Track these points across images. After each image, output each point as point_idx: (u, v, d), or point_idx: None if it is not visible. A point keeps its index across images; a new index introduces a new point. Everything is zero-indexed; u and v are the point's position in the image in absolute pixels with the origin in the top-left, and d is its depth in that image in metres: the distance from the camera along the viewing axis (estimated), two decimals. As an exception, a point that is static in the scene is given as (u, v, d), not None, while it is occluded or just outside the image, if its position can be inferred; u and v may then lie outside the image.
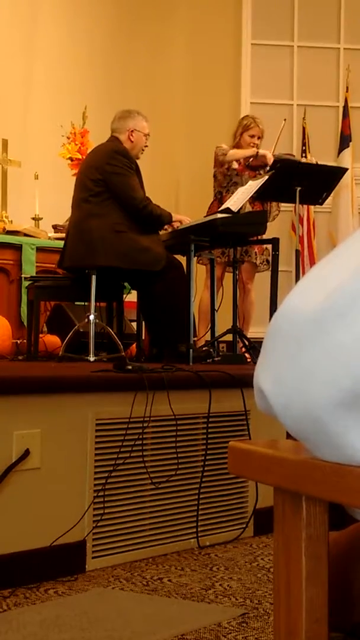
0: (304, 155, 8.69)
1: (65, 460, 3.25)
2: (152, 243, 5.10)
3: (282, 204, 6.75)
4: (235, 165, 6.69)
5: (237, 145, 6.80)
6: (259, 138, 6.81)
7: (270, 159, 6.56)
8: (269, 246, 6.03)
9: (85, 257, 5.01)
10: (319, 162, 6.79)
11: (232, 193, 6.52)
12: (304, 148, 8.78)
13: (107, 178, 5.09)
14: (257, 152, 6.64)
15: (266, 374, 0.88)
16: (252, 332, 6.33)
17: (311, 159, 6.97)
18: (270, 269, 6.68)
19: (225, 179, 6.71)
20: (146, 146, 5.46)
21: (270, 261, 6.65)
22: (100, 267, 4.99)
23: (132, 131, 5.34)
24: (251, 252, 6.55)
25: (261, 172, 6.62)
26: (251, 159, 6.72)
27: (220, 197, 6.70)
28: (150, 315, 5.37)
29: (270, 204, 6.65)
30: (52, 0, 8.09)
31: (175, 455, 3.61)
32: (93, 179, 5.12)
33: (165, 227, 5.47)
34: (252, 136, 6.77)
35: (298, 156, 7.06)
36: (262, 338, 0.92)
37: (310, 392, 0.84)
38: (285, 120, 6.43)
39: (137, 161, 5.35)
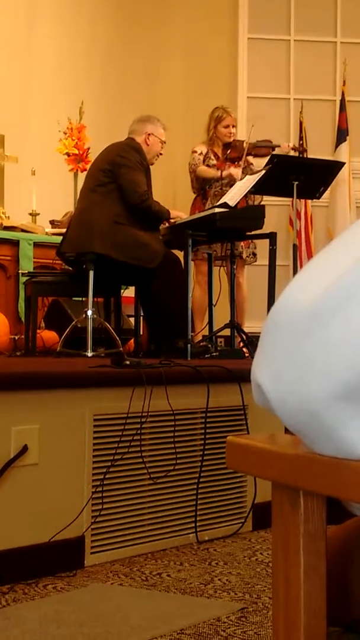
0: (301, 148, 8.68)
1: (64, 455, 3.25)
2: (150, 239, 5.11)
3: (280, 198, 6.74)
4: (213, 161, 6.70)
5: (212, 140, 6.80)
6: (233, 127, 6.80)
7: (237, 174, 6.52)
8: (256, 240, 6.06)
9: (82, 243, 5.03)
10: (317, 157, 6.77)
11: (215, 188, 6.55)
12: (301, 142, 8.77)
13: (115, 168, 5.13)
14: (221, 173, 6.64)
15: (263, 368, 0.88)
16: (250, 327, 6.33)
17: (289, 145, 6.93)
18: (256, 261, 6.71)
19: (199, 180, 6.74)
20: (161, 154, 5.50)
21: (257, 253, 6.68)
22: (95, 255, 4.98)
23: (149, 135, 5.40)
24: (238, 246, 6.56)
25: (240, 162, 6.62)
26: (229, 151, 6.72)
27: (203, 192, 6.71)
28: (148, 310, 5.38)
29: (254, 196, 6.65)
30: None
31: (173, 451, 3.61)
32: (102, 169, 5.18)
33: (165, 222, 5.47)
34: (227, 126, 6.77)
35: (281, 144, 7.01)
36: (260, 332, 0.92)
37: (308, 386, 0.83)
38: (253, 125, 6.43)
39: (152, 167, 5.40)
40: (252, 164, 6.76)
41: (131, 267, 5.10)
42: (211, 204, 6.54)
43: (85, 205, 5.17)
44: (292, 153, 7.07)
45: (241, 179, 6.13)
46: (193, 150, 6.79)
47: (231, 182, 6.48)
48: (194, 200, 6.81)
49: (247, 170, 6.63)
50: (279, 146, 6.82)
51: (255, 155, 6.77)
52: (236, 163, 6.66)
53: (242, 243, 6.56)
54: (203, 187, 6.75)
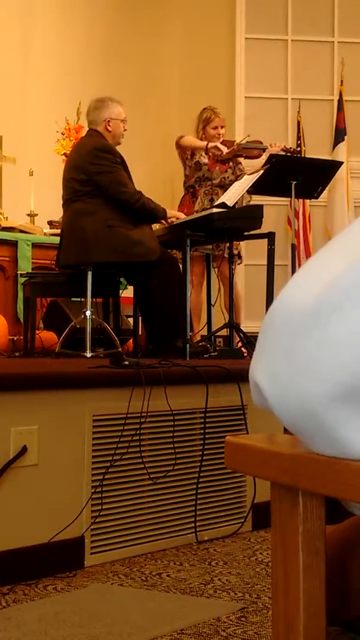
0: (299, 149, 8.69)
1: (63, 456, 3.25)
2: (145, 236, 5.10)
3: (278, 198, 6.74)
4: (205, 159, 6.67)
5: (201, 140, 6.78)
6: (222, 127, 6.77)
7: (223, 149, 6.53)
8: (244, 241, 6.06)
9: (80, 255, 5.01)
10: (315, 156, 6.77)
11: (205, 187, 6.55)
12: (299, 142, 8.78)
13: (94, 177, 5.07)
14: (207, 145, 6.60)
15: (261, 368, 0.88)
16: (248, 327, 6.33)
17: (278, 145, 6.90)
18: (242, 262, 6.71)
19: (196, 173, 6.70)
20: (125, 130, 5.40)
21: (242, 255, 6.68)
22: (96, 264, 4.99)
23: (108, 121, 5.30)
24: (222, 247, 6.54)
25: (231, 163, 6.62)
26: (220, 153, 6.70)
27: (192, 191, 6.68)
28: (147, 310, 5.37)
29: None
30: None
31: (172, 451, 3.61)
32: (79, 180, 5.11)
33: (162, 222, 5.46)
34: (215, 127, 6.73)
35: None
36: (258, 332, 0.92)
37: (305, 385, 0.83)
38: (249, 135, 6.43)
39: (126, 154, 5.33)
40: (240, 163, 6.75)
41: (131, 265, 5.09)
42: (201, 203, 6.54)
43: (72, 216, 5.11)
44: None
45: (232, 180, 6.15)
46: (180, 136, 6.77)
47: (221, 180, 6.51)
48: (182, 199, 6.77)
49: (237, 170, 6.64)
50: (268, 147, 6.80)
51: (246, 157, 6.77)
52: (227, 164, 6.66)
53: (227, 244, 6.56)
54: (191, 187, 6.69)
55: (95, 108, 5.36)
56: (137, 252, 5.02)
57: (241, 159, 6.72)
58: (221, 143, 6.69)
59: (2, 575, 3.00)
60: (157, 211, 5.22)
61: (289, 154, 6.59)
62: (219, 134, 6.73)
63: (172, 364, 3.90)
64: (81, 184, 5.09)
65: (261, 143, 6.82)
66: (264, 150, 6.69)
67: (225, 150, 6.56)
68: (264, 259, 5.49)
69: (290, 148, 6.87)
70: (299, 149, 7.00)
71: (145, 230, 5.16)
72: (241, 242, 6.50)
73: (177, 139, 6.72)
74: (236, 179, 6.42)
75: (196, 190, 6.64)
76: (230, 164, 6.67)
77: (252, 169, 5.93)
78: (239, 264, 6.78)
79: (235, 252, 6.69)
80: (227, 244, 6.47)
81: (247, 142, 6.73)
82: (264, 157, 6.54)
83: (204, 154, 6.67)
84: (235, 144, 6.61)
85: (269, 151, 6.63)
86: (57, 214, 6.75)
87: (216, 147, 6.52)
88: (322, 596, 0.93)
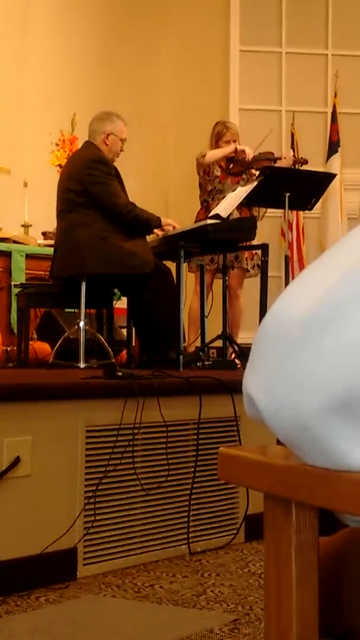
0: (302, 160, 8.70)
1: (56, 467, 3.25)
2: (139, 247, 5.10)
3: (271, 210, 6.75)
4: (217, 172, 6.68)
5: None
6: (234, 141, 6.78)
7: (249, 154, 6.56)
8: (259, 251, 6.05)
9: (74, 267, 5.01)
10: (308, 168, 6.79)
11: (218, 200, 6.54)
12: (292, 154, 8.79)
13: (88, 188, 5.08)
14: (236, 147, 6.61)
15: (255, 380, 0.89)
16: (242, 338, 6.33)
17: (291, 155, 6.91)
18: (259, 273, 6.69)
19: (209, 185, 6.70)
20: (121, 150, 5.40)
21: (261, 265, 6.66)
22: (90, 275, 4.99)
23: (108, 135, 5.30)
24: (242, 258, 6.55)
25: (244, 176, 6.63)
26: (231, 166, 6.70)
27: (206, 205, 6.69)
28: (140, 321, 5.37)
29: (259, 208, 6.64)
30: (43, 8, 8.09)
31: (166, 462, 3.61)
32: (74, 190, 5.11)
33: (157, 232, 5.46)
34: (227, 142, 6.74)
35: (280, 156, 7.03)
36: (252, 344, 0.92)
37: (299, 398, 0.84)
38: (272, 130, 6.43)
39: (121, 166, 5.34)
40: (255, 174, 6.75)
41: (125, 277, 5.10)
42: None
43: (66, 227, 5.11)
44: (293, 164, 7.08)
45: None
46: (198, 154, 6.75)
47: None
48: (198, 214, 6.76)
49: (251, 181, 6.64)
50: (280, 158, 6.81)
51: (257, 169, 6.77)
52: (239, 177, 6.67)
53: (246, 254, 6.55)
54: (205, 202, 6.69)
55: (99, 119, 5.36)
56: (131, 264, 5.02)
57: (254, 171, 6.72)
58: (234, 156, 6.68)
59: (-6, 586, 2.99)
60: (151, 220, 5.22)
61: (299, 164, 6.61)
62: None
63: (165, 375, 3.90)
64: (76, 195, 5.09)
65: (273, 154, 6.84)
66: (274, 161, 6.70)
67: (251, 155, 6.57)
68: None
69: (301, 159, 6.88)
70: (307, 160, 6.99)
71: (140, 242, 5.16)
72: (258, 251, 6.50)
73: (200, 159, 6.67)
74: None
75: (209, 205, 6.64)
76: (244, 176, 6.66)
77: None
78: (255, 275, 6.74)
79: (254, 263, 6.65)
80: (243, 255, 6.49)
81: (260, 153, 6.74)
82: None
83: (217, 167, 6.67)
84: (253, 157, 6.63)
85: (282, 162, 6.65)
86: (51, 225, 6.75)
87: (243, 151, 6.53)
88: (315, 608, 0.93)
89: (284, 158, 6.74)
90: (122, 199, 5.13)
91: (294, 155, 6.88)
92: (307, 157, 7.09)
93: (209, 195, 6.70)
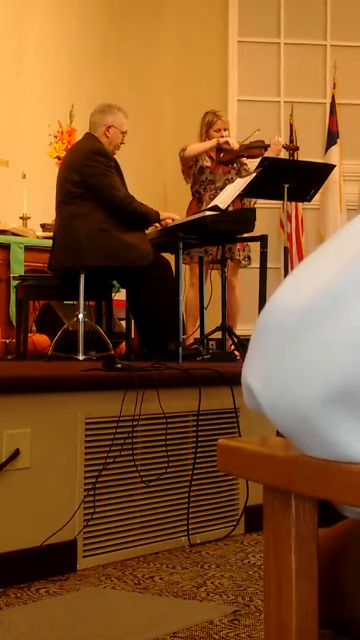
0: (291, 152, 8.69)
1: (56, 459, 3.25)
2: (137, 240, 5.09)
3: (271, 201, 6.74)
4: (207, 163, 6.67)
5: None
6: (225, 130, 6.77)
7: (233, 144, 6.54)
8: (250, 242, 6.06)
9: (72, 259, 5.01)
10: (307, 159, 6.78)
11: (210, 191, 6.54)
12: (291, 145, 8.78)
13: (87, 179, 5.07)
14: (218, 141, 6.59)
15: (253, 371, 0.88)
16: (241, 330, 6.33)
17: (279, 141, 6.89)
18: (250, 264, 6.69)
19: (199, 177, 6.69)
20: (122, 143, 5.39)
21: (251, 257, 6.66)
22: (89, 268, 4.99)
23: (109, 127, 5.29)
24: (234, 250, 6.55)
25: (235, 165, 6.62)
26: (222, 155, 6.70)
27: (198, 196, 6.69)
28: (139, 313, 5.37)
29: (249, 199, 6.64)
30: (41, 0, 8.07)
31: (165, 454, 3.61)
32: (72, 181, 5.10)
33: (156, 225, 5.45)
34: (218, 130, 6.73)
35: (281, 153, 7.03)
36: (251, 335, 0.92)
37: (297, 389, 0.83)
38: (258, 130, 6.43)
39: (120, 158, 5.33)
40: (245, 164, 6.75)
41: (123, 269, 5.09)
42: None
43: (65, 219, 5.11)
44: (283, 152, 7.07)
45: (234, 180, 6.15)
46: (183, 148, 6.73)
47: (225, 182, 6.50)
48: (190, 204, 6.78)
49: (242, 170, 6.64)
50: (269, 145, 6.80)
51: (249, 157, 6.77)
52: (230, 165, 6.66)
53: (237, 246, 6.55)
54: (197, 192, 6.70)
55: (101, 111, 5.35)
56: (130, 257, 5.02)
57: (245, 160, 6.72)
58: (224, 148, 6.67)
59: (-6, 578, 3.00)
60: (149, 214, 5.21)
61: (290, 151, 6.60)
62: (223, 137, 6.73)
63: (164, 367, 3.89)
64: (74, 186, 5.09)
65: (263, 142, 6.83)
66: (265, 148, 6.70)
67: (236, 145, 6.56)
68: (257, 262, 5.49)
69: (291, 144, 6.87)
70: (298, 146, 6.98)
71: (138, 235, 5.15)
72: (250, 244, 6.50)
73: (180, 153, 6.66)
74: None
75: (202, 195, 6.64)
76: (235, 165, 6.66)
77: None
78: (249, 265, 6.75)
79: (245, 254, 6.67)
80: (235, 247, 6.49)
81: (250, 142, 6.74)
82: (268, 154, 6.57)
83: (207, 157, 6.67)
84: (238, 146, 6.62)
85: (272, 149, 6.64)
86: (50, 217, 6.74)
87: (227, 142, 6.52)
88: (315, 599, 0.93)
89: (274, 145, 6.72)
90: (121, 191, 5.12)
91: (288, 142, 6.84)
92: (306, 149, 7.09)
93: (201, 186, 6.69)
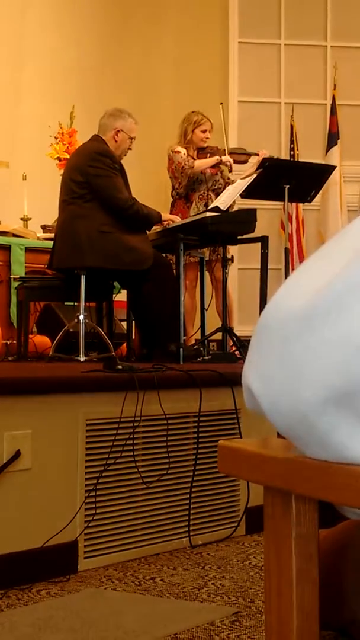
0: (292, 153, 8.70)
1: (57, 460, 3.25)
2: (138, 242, 5.09)
3: (271, 202, 6.75)
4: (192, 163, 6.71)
5: (188, 142, 6.79)
6: (209, 132, 6.82)
7: (232, 165, 6.60)
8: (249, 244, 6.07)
9: (72, 259, 5.01)
10: (308, 160, 6.79)
11: (199, 191, 6.56)
12: (292, 146, 8.79)
13: (90, 180, 5.07)
14: (221, 159, 6.63)
15: (254, 372, 0.88)
16: (241, 330, 6.33)
17: (264, 153, 6.91)
18: (260, 265, 6.69)
19: (189, 178, 6.72)
20: (130, 149, 5.42)
21: (235, 258, 6.67)
22: (88, 268, 4.99)
23: (118, 131, 5.31)
24: (219, 250, 6.55)
25: (220, 166, 6.65)
26: (207, 156, 6.73)
27: (186, 196, 6.70)
28: (140, 314, 5.37)
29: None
30: (41, 1, 8.07)
31: (166, 455, 3.61)
32: (76, 181, 5.11)
33: (156, 227, 5.46)
34: (204, 131, 6.77)
35: (281, 154, 7.07)
36: (252, 336, 0.92)
37: (298, 390, 0.84)
38: (222, 103, 6.46)
39: (124, 161, 5.34)
40: (230, 167, 6.78)
41: (124, 270, 5.09)
42: (196, 208, 6.56)
43: (66, 219, 5.12)
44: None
45: (221, 184, 6.18)
46: (175, 151, 6.74)
47: (213, 183, 6.54)
48: (175, 204, 6.78)
49: (224, 175, 6.71)
50: (255, 154, 6.84)
51: (235, 162, 6.81)
52: (216, 168, 6.68)
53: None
54: (192, 187, 6.72)
55: (111, 115, 5.38)
56: (131, 260, 5.02)
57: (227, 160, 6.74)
58: (207, 148, 6.71)
59: (-5, 580, 3.00)
60: (151, 216, 5.22)
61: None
62: (206, 138, 6.77)
63: (165, 368, 3.89)
64: (78, 186, 5.09)
65: (245, 150, 6.89)
66: (249, 155, 6.74)
67: (232, 167, 6.62)
68: (258, 263, 5.49)
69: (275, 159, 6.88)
70: (292, 153, 6.99)
71: (140, 237, 5.15)
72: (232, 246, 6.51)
73: (184, 167, 6.66)
74: (226, 184, 6.46)
75: (190, 195, 6.65)
76: (221, 167, 6.69)
77: (244, 174, 5.94)
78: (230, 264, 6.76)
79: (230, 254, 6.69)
80: (219, 249, 6.49)
81: (233, 147, 6.78)
82: (252, 162, 6.60)
83: (191, 159, 6.69)
84: (223, 148, 6.65)
85: (255, 158, 6.69)
86: (51, 218, 6.75)
87: (228, 161, 6.55)
88: (315, 600, 0.93)
89: (261, 154, 6.75)
90: (124, 193, 5.12)
91: (270, 155, 6.86)
92: (307, 149, 7.11)
93: (189, 186, 6.70)
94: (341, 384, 0.81)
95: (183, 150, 6.72)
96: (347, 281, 0.82)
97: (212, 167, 6.71)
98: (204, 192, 6.61)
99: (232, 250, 6.69)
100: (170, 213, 6.54)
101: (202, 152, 6.75)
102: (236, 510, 3.90)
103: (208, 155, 6.72)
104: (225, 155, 6.64)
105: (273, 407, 0.87)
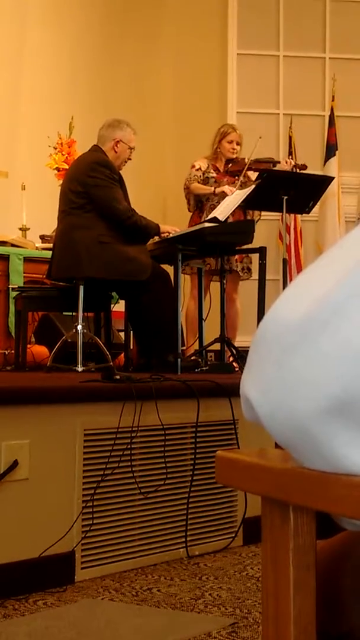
0: (301, 165, 8.71)
1: (54, 470, 3.24)
2: (137, 253, 5.10)
3: (269, 213, 6.76)
4: (213, 174, 6.70)
5: (216, 154, 6.80)
6: (237, 144, 6.81)
7: (230, 192, 6.58)
8: (250, 254, 6.07)
9: (71, 269, 5.02)
10: (306, 172, 6.79)
11: (211, 201, 6.55)
12: (290, 157, 8.79)
13: (89, 190, 5.08)
14: (214, 190, 6.62)
15: (252, 382, 0.88)
16: (240, 341, 6.33)
17: (290, 161, 6.92)
18: (251, 276, 6.70)
19: (196, 196, 6.73)
20: (129, 159, 5.43)
21: (251, 269, 6.66)
22: (87, 278, 4.99)
23: (117, 142, 5.32)
24: (232, 261, 6.55)
25: (241, 178, 6.64)
26: (230, 165, 6.73)
27: (200, 206, 6.71)
28: (138, 325, 5.37)
29: (252, 211, 6.66)
30: (39, 10, 8.09)
31: (163, 465, 3.61)
32: (75, 191, 5.11)
33: (156, 239, 5.47)
34: (231, 142, 6.77)
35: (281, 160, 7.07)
36: (250, 347, 0.92)
37: (296, 400, 0.84)
38: (260, 137, 6.45)
39: (123, 172, 5.35)
40: (250, 179, 6.77)
41: (122, 281, 5.10)
42: (207, 217, 6.56)
43: (65, 229, 5.12)
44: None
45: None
46: (192, 165, 6.77)
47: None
48: (192, 216, 6.79)
49: (247, 185, 6.66)
50: (279, 162, 6.83)
51: (256, 170, 6.79)
52: (236, 177, 6.67)
53: (235, 257, 6.56)
54: (199, 202, 6.73)
55: (110, 125, 5.39)
56: (129, 270, 5.02)
57: (251, 174, 6.72)
58: (234, 160, 6.70)
59: (-8, 590, 2.99)
60: (149, 228, 5.22)
61: (297, 169, 6.63)
62: (234, 149, 6.76)
63: (163, 379, 3.89)
64: (77, 196, 5.10)
65: (272, 159, 6.86)
66: (274, 164, 6.72)
67: (233, 190, 6.61)
68: (256, 273, 5.49)
69: (300, 164, 6.89)
70: (306, 165, 6.99)
71: (138, 248, 5.16)
72: (250, 256, 6.51)
73: (187, 184, 6.71)
74: None
75: (203, 205, 6.65)
76: (241, 178, 6.67)
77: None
78: (249, 278, 6.75)
79: (244, 266, 6.67)
80: (233, 258, 6.50)
81: (259, 158, 6.76)
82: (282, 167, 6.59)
83: (212, 170, 6.70)
84: (246, 158, 6.64)
85: (280, 166, 6.67)
86: (50, 228, 6.75)
87: (223, 193, 6.54)
88: (313, 611, 0.93)
89: (286, 163, 6.76)
90: (123, 204, 5.13)
91: (295, 163, 6.88)
92: (304, 161, 7.10)
93: (204, 195, 6.71)
94: (339, 394, 0.81)
95: (198, 165, 6.73)
96: (345, 292, 0.82)
97: (231, 175, 6.70)
98: (216, 202, 6.61)
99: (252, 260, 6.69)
100: (189, 225, 6.54)
101: (230, 161, 6.75)
102: (233, 520, 3.90)
103: (230, 165, 6.71)
104: (245, 165, 6.60)
105: (271, 417, 0.87)
